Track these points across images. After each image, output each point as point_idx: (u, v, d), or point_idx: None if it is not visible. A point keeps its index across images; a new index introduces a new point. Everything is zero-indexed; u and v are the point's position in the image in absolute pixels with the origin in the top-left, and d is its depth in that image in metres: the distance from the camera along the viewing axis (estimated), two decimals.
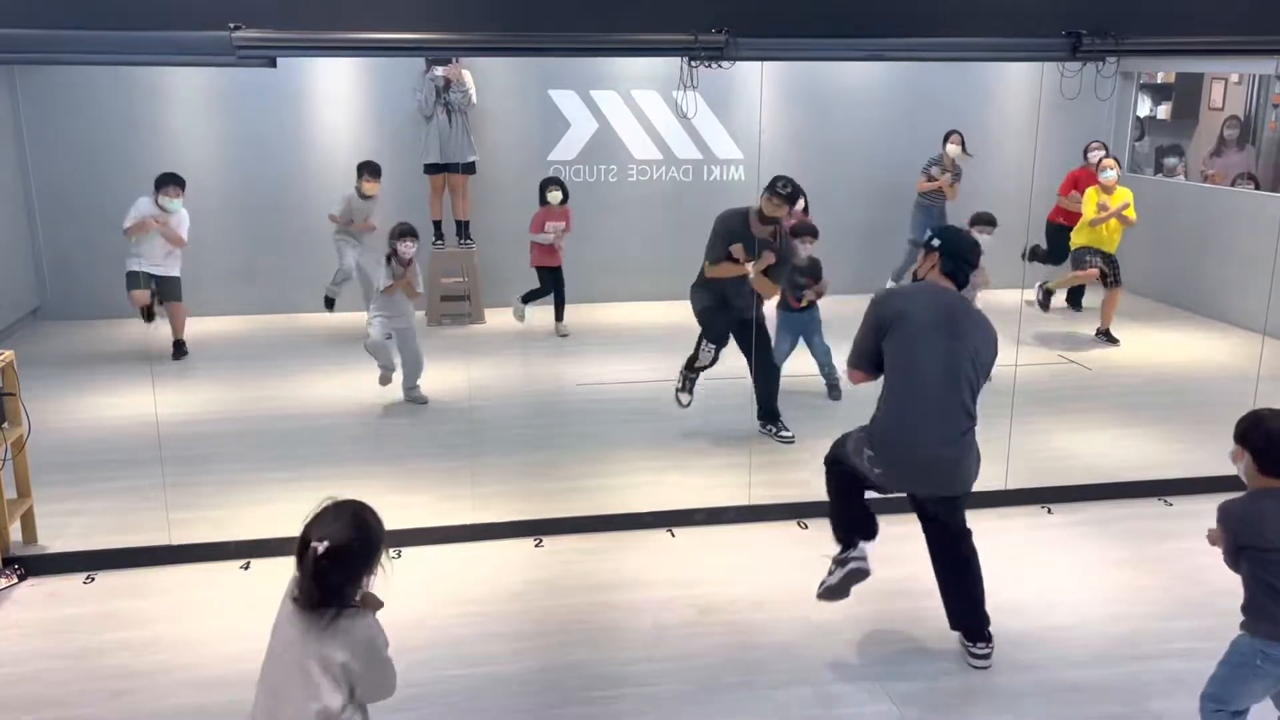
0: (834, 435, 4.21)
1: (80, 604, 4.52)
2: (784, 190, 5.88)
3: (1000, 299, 8.41)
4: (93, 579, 4.70)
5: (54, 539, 5.02)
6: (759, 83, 8.83)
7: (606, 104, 9.64)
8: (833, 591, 4.15)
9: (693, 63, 4.75)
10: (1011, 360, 6.91)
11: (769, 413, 6.37)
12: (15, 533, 4.93)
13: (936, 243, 3.98)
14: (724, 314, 6.19)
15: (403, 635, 4.23)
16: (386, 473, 5.83)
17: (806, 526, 5.19)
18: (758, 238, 5.99)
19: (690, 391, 6.41)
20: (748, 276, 5.96)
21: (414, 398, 6.98)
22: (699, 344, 6.29)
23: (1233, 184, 9.31)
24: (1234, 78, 9.31)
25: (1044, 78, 7.01)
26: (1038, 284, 8.85)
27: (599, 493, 5.60)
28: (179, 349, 8.07)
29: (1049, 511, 5.40)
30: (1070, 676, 3.98)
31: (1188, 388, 7.48)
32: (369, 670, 2.61)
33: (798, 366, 7.02)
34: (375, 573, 2.63)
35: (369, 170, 8.27)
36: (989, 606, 4.10)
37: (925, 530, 4.11)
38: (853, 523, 4.15)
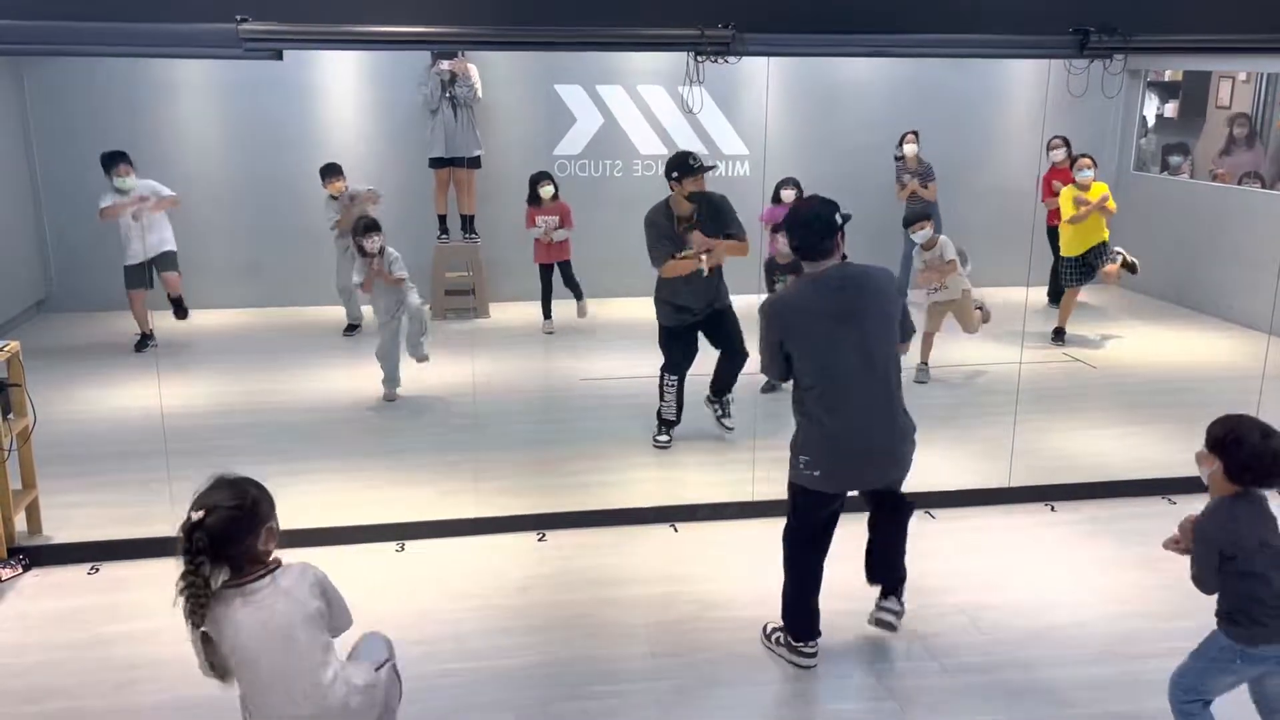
0: None
1: (84, 595, 4.54)
2: (695, 165, 5.79)
3: (1006, 297, 8.41)
4: (97, 570, 4.72)
5: (58, 530, 5.04)
6: (765, 78, 8.82)
7: (612, 99, 9.64)
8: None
9: (699, 58, 4.75)
10: (1015, 358, 6.92)
11: (720, 391, 6.30)
12: (20, 523, 4.95)
13: (783, 231, 3.91)
14: (685, 333, 6.05)
15: (405, 628, 4.25)
16: (390, 466, 5.84)
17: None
18: (683, 222, 5.87)
19: (669, 432, 6.25)
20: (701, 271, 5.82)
21: (417, 355, 6.93)
22: (661, 382, 6.17)
23: (1239, 182, 9.28)
24: (1241, 76, 9.27)
25: (1051, 75, 7.01)
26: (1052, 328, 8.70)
27: (602, 488, 5.60)
28: (178, 307, 8.02)
29: (1052, 509, 5.40)
30: (1071, 675, 3.98)
31: (1192, 387, 7.46)
32: (332, 602, 2.66)
33: None
34: (271, 532, 2.62)
35: (331, 172, 8.26)
36: (992, 603, 4.10)
37: (872, 502, 4.11)
38: (802, 607, 4.00)
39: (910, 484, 5.57)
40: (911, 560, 4.85)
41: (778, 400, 6.77)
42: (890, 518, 4.10)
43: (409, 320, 6.91)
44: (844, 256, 3.78)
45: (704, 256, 5.79)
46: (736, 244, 5.90)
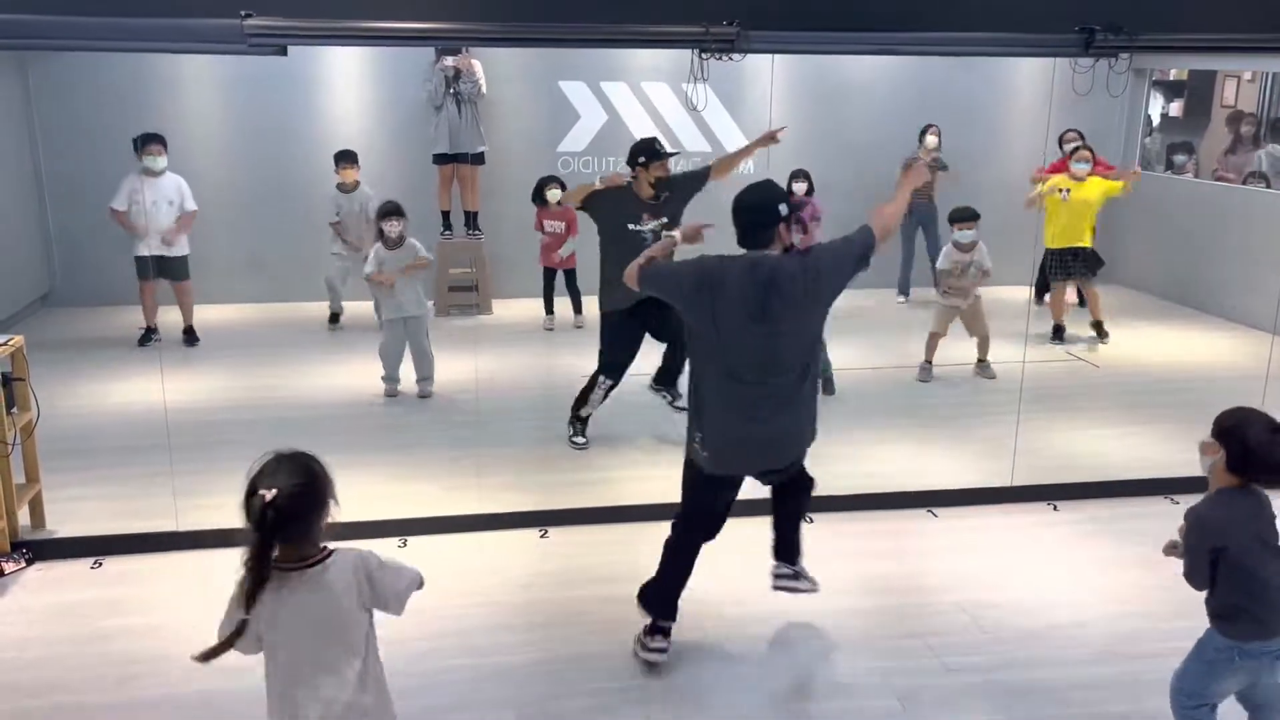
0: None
1: (87, 589, 4.55)
2: (662, 151, 5.86)
3: (1010, 295, 8.40)
4: (100, 564, 4.73)
5: (62, 524, 5.05)
6: (769, 76, 8.80)
7: (616, 96, 9.63)
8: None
9: (703, 55, 4.74)
10: (1018, 357, 6.91)
11: (670, 376, 6.30)
12: (23, 517, 4.96)
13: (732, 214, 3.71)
14: (631, 335, 6.01)
15: (407, 624, 4.23)
16: (393, 461, 5.84)
17: (811, 520, 5.19)
18: (645, 205, 5.87)
19: (584, 433, 6.21)
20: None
21: (422, 391, 6.98)
22: (592, 381, 6.14)
23: (1244, 182, 9.27)
24: (1247, 75, 9.26)
25: (1056, 74, 6.99)
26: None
27: (604, 485, 5.61)
28: (189, 336, 8.07)
29: (1054, 509, 5.39)
30: (1072, 674, 3.98)
31: (1195, 386, 7.45)
32: (374, 580, 2.60)
33: None
34: (330, 511, 2.59)
35: (345, 158, 8.29)
36: (993, 601, 4.10)
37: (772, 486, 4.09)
38: (669, 593, 4.02)
39: (912, 482, 5.60)
40: (913, 558, 4.87)
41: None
42: (788, 494, 4.14)
43: (415, 359, 6.91)
44: (789, 247, 3.63)
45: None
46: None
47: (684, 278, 3.61)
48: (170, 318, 8.12)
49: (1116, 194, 8.12)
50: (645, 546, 4.94)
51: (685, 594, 4.51)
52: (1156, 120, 10.32)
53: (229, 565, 4.79)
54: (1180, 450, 6.14)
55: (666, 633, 4.01)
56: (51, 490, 5.12)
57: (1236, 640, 3.09)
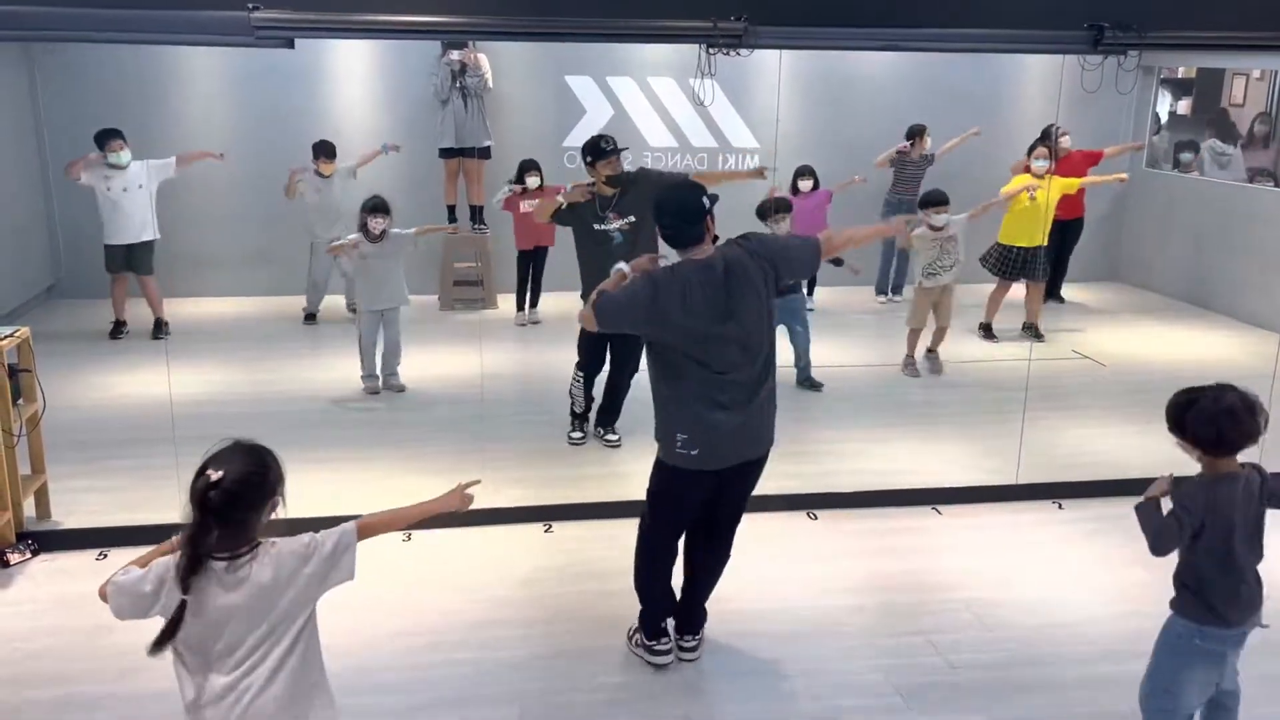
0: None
1: (92, 580, 4.49)
2: (608, 148, 5.79)
3: (1011, 293, 8.39)
4: (105, 556, 4.73)
5: (67, 515, 5.06)
6: (777, 71, 8.79)
7: (623, 91, 9.62)
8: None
9: (710, 50, 4.73)
10: (1024, 355, 6.90)
11: (611, 415, 6.23)
12: (29, 508, 4.97)
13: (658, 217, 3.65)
14: (599, 340, 5.98)
15: (410, 618, 4.26)
16: (397, 455, 5.84)
17: (816, 517, 5.19)
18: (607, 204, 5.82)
19: (582, 429, 6.22)
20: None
21: (391, 385, 6.97)
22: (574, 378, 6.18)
23: (1251, 181, 9.23)
24: (1255, 74, 9.22)
25: (1064, 71, 6.97)
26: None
27: (609, 480, 5.60)
28: (159, 328, 8.01)
29: (1059, 507, 5.38)
30: (1077, 672, 3.97)
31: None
32: (334, 553, 2.61)
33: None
34: (273, 507, 2.58)
35: (324, 151, 8.31)
36: (999, 600, 4.09)
37: (706, 522, 3.94)
38: (661, 596, 4.00)
39: (916, 479, 5.59)
40: (917, 556, 4.86)
41: (784, 396, 6.77)
42: (712, 539, 3.98)
43: (386, 351, 6.90)
44: (715, 238, 3.64)
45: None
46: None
47: (638, 304, 3.54)
48: (170, 304, 8.12)
49: (1072, 191, 8.06)
50: None
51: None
52: (1165, 118, 10.28)
53: None
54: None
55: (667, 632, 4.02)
56: (57, 481, 5.13)
57: (1194, 621, 3.07)
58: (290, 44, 4.58)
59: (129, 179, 7.78)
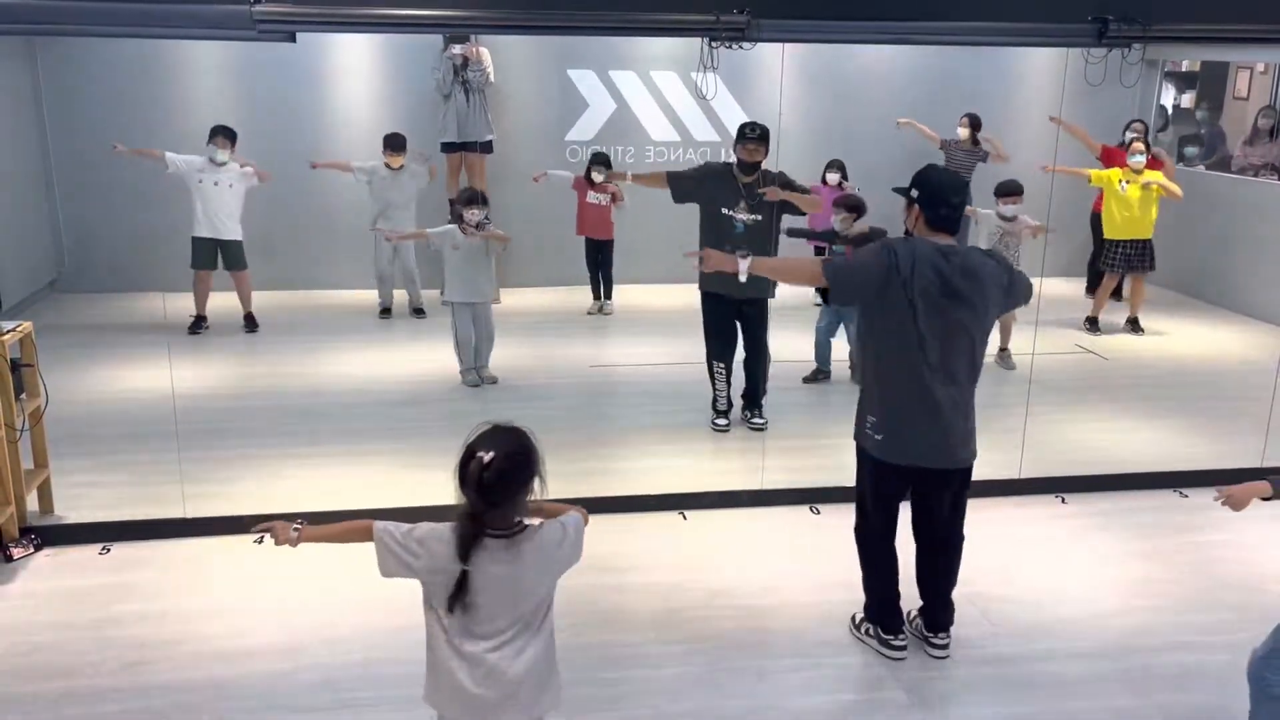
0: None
1: (95, 575, 4.56)
2: (752, 134, 5.82)
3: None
4: (108, 550, 4.74)
5: (70, 510, 5.06)
6: (779, 65, 8.77)
7: (625, 84, 9.60)
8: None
9: (713, 44, 4.72)
10: (1029, 349, 6.89)
11: (753, 398, 6.26)
12: (32, 503, 4.97)
13: (915, 193, 3.67)
14: (723, 321, 6.06)
15: (417, 612, 4.25)
16: (401, 450, 5.84)
17: (819, 512, 5.18)
18: (743, 187, 5.88)
19: (726, 415, 6.25)
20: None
21: (485, 377, 6.98)
22: (709, 370, 6.21)
23: (1256, 175, 9.21)
24: (1260, 67, 9.20)
25: (1068, 63, 6.95)
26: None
27: (611, 475, 5.60)
28: (250, 322, 8.11)
29: (1063, 501, 5.38)
30: (1080, 668, 3.96)
31: (1206, 380, 7.43)
32: (577, 538, 2.81)
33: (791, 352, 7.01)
34: (532, 492, 2.69)
35: (392, 144, 8.31)
36: (1002, 594, 4.09)
37: (919, 518, 3.95)
38: (888, 599, 4.00)
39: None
40: None
41: (793, 390, 6.77)
42: (935, 532, 3.95)
43: (480, 344, 6.94)
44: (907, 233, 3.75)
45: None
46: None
47: (872, 267, 3.59)
48: (179, 299, 8.13)
49: (1162, 193, 8.14)
50: (651, 536, 4.97)
51: (692, 582, 4.52)
52: (1170, 111, 10.25)
53: (236, 552, 4.81)
54: (1191, 444, 6.13)
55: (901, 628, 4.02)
56: (60, 476, 5.14)
57: None
58: (292, 38, 4.57)
59: (222, 175, 7.84)
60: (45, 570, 4.59)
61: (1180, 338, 8.51)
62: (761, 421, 6.17)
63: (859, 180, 9.04)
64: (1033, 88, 10.05)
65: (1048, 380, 7.02)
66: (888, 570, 4.00)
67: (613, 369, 7.43)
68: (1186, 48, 9.63)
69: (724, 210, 5.86)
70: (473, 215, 6.63)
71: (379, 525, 2.64)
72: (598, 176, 8.49)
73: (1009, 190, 7.27)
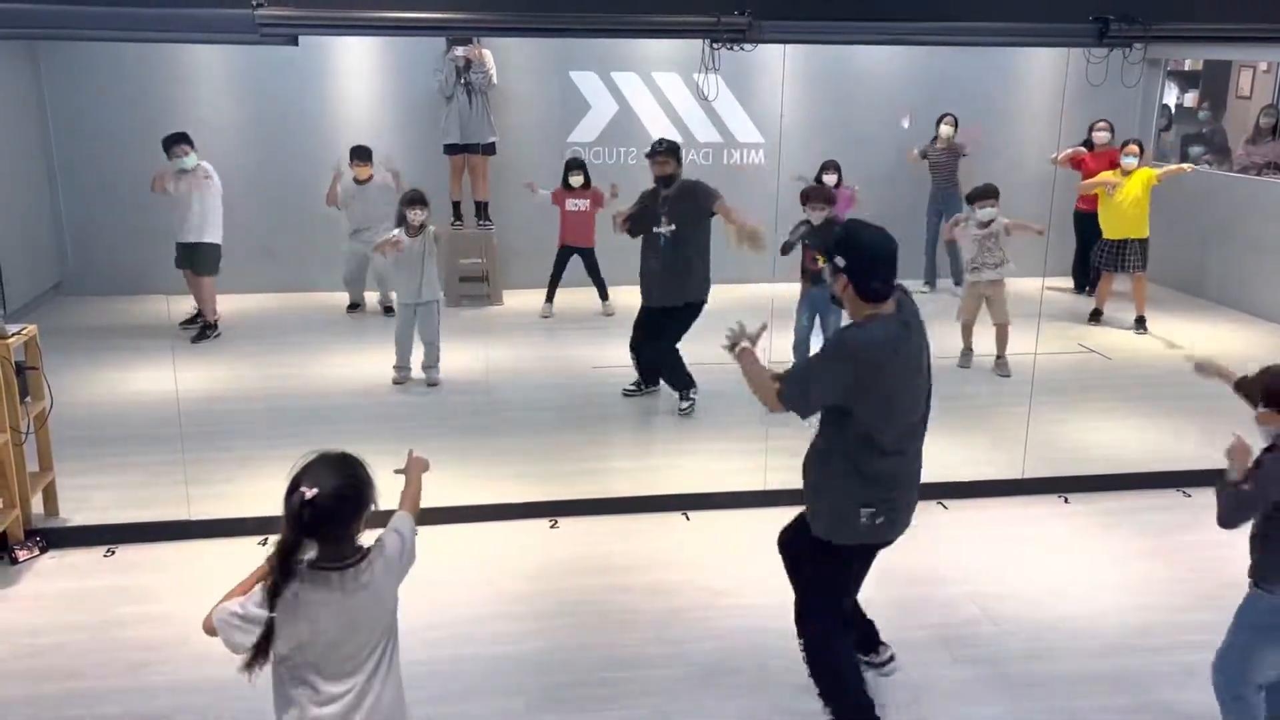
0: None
1: (100, 577, 4.57)
2: (661, 147, 6.29)
3: (1021, 287, 8.36)
4: (113, 552, 4.75)
5: (75, 512, 5.08)
6: (781, 66, 8.77)
7: (627, 86, 9.61)
8: None
9: (714, 45, 4.73)
10: (1030, 348, 6.89)
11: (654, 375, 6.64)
12: (37, 505, 4.98)
13: (840, 261, 3.21)
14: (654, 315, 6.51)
15: (417, 613, 4.26)
16: (401, 451, 5.82)
17: None
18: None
19: (688, 396, 6.49)
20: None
21: (430, 379, 7.01)
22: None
23: (1259, 174, 9.20)
24: (1263, 66, 9.19)
25: (1070, 63, 6.95)
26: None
27: (614, 475, 5.61)
28: (202, 329, 7.99)
29: (1065, 501, 5.38)
30: (1082, 667, 3.97)
31: (1208, 379, 7.40)
32: (412, 545, 2.71)
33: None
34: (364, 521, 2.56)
35: (359, 155, 8.29)
36: (1004, 594, 4.08)
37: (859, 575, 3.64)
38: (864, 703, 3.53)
39: (923, 473, 5.58)
40: (923, 550, 4.85)
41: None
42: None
43: (424, 346, 6.96)
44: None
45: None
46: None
47: (833, 385, 3.22)
48: (180, 300, 8.14)
49: (1155, 182, 8.19)
50: (654, 537, 4.98)
51: (695, 582, 4.53)
52: (1173, 110, 10.24)
53: (240, 554, 4.82)
54: (1194, 443, 6.12)
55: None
56: (64, 478, 5.15)
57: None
58: (294, 41, 4.59)
59: (182, 182, 7.81)
60: (50, 572, 4.61)
61: (1183, 336, 8.50)
62: (687, 404, 6.46)
63: (860, 180, 9.05)
64: (1034, 88, 10.04)
65: (1050, 380, 7.01)
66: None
67: (616, 369, 7.43)
68: (1188, 47, 9.63)
69: (654, 229, 6.25)
70: (415, 216, 6.66)
71: (218, 610, 2.46)
72: (575, 181, 8.50)
73: (983, 194, 7.26)
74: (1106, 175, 8.31)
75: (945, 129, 9.27)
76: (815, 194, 6.76)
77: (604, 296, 8.86)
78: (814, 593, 3.55)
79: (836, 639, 3.54)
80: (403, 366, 7.00)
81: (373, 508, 2.55)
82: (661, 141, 6.39)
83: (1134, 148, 8.26)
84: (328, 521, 2.43)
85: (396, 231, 6.77)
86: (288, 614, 2.43)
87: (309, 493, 2.40)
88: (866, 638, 3.89)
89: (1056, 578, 4.61)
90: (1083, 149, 9.00)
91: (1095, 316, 8.64)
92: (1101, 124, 9.07)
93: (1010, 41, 7.39)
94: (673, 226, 6.16)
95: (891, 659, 3.89)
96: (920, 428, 3.41)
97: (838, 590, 3.56)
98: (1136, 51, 5.01)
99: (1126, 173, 8.20)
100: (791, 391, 3.29)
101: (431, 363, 7.01)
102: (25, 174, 8.62)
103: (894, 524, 3.42)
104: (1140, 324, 8.47)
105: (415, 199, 6.74)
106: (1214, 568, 4.61)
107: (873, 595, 4.39)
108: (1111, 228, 8.36)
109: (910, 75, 9.80)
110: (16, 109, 8.55)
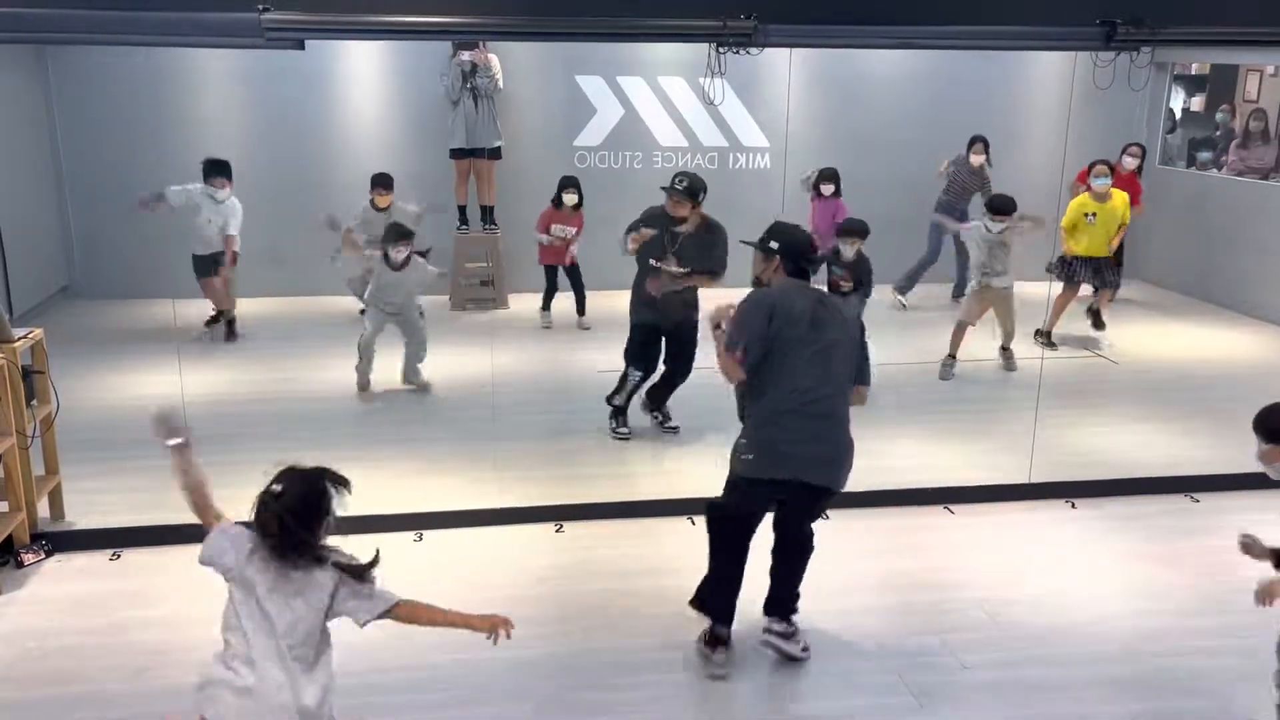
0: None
1: (106, 580, 4.57)
2: (680, 185, 5.76)
3: (1028, 293, 8.35)
4: (119, 556, 4.76)
5: (81, 516, 5.08)
6: (787, 70, 8.77)
7: (633, 90, 9.61)
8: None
9: (720, 49, 4.72)
10: (1037, 353, 6.88)
11: (662, 397, 6.33)
12: (43, 509, 4.99)
13: (775, 245, 4.04)
14: (656, 332, 6.10)
15: None
16: (410, 455, 5.85)
17: (828, 516, 5.17)
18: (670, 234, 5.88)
19: (626, 424, 6.26)
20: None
21: (415, 383, 6.99)
22: (623, 375, 6.24)
23: (1265, 178, 9.18)
24: (1269, 69, 9.16)
25: (1076, 67, 6.94)
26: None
27: (620, 480, 5.61)
28: (228, 324, 8.05)
29: (1073, 506, 5.36)
30: (1090, 672, 3.95)
31: (1216, 383, 7.39)
32: (356, 601, 2.90)
33: None
34: (328, 528, 2.84)
35: (380, 183, 8.11)
36: (1011, 599, 4.07)
37: (778, 524, 4.10)
38: (726, 596, 4.01)
39: (929, 479, 5.58)
40: (930, 555, 4.85)
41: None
42: (788, 539, 4.09)
43: (408, 344, 6.94)
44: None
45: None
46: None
47: (761, 319, 3.87)
48: (187, 305, 8.14)
49: (1132, 215, 8.07)
50: (659, 542, 4.97)
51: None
52: (1179, 115, 10.21)
53: None
54: (1201, 447, 6.11)
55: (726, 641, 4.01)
56: (71, 482, 5.16)
57: None
58: (301, 45, 4.59)
59: (217, 213, 7.85)
60: (56, 576, 4.61)
61: (1189, 341, 8.48)
62: (675, 425, 6.30)
63: (869, 184, 9.04)
64: (1041, 92, 10.03)
65: (1057, 384, 7.00)
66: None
67: (619, 373, 7.43)
68: (1195, 51, 9.61)
69: (651, 261, 5.90)
70: (398, 253, 6.64)
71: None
72: (569, 200, 8.41)
73: (1001, 209, 7.26)
74: (1083, 201, 8.04)
75: (976, 159, 9.09)
76: (855, 228, 6.80)
77: (581, 311, 8.75)
78: (724, 492, 4.06)
79: (724, 528, 4.03)
80: (364, 370, 6.95)
81: (330, 520, 2.85)
82: (683, 178, 5.79)
83: (1103, 168, 8.06)
84: (290, 525, 2.76)
85: (372, 254, 6.78)
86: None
87: (275, 488, 2.81)
88: (776, 602, 4.09)
89: (1064, 583, 4.60)
90: (1082, 186, 8.75)
91: (1047, 338, 8.07)
92: (1134, 149, 8.90)
93: (1017, 45, 7.39)
94: (686, 270, 5.83)
95: (794, 637, 4.03)
96: (822, 391, 3.84)
97: (735, 505, 4.00)
98: (1144, 55, 5.00)
99: (1099, 195, 7.98)
100: (732, 336, 3.91)
101: (414, 369, 6.98)
102: (33, 178, 8.65)
103: (761, 465, 3.88)
104: (1098, 318, 8.32)
105: (398, 234, 6.67)
106: (1223, 573, 4.59)
107: (879, 599, 4.39)
108: (1088, 248, 8.11)
109: (917, 79, 9.79)
110: (25, 113, 8.58)
